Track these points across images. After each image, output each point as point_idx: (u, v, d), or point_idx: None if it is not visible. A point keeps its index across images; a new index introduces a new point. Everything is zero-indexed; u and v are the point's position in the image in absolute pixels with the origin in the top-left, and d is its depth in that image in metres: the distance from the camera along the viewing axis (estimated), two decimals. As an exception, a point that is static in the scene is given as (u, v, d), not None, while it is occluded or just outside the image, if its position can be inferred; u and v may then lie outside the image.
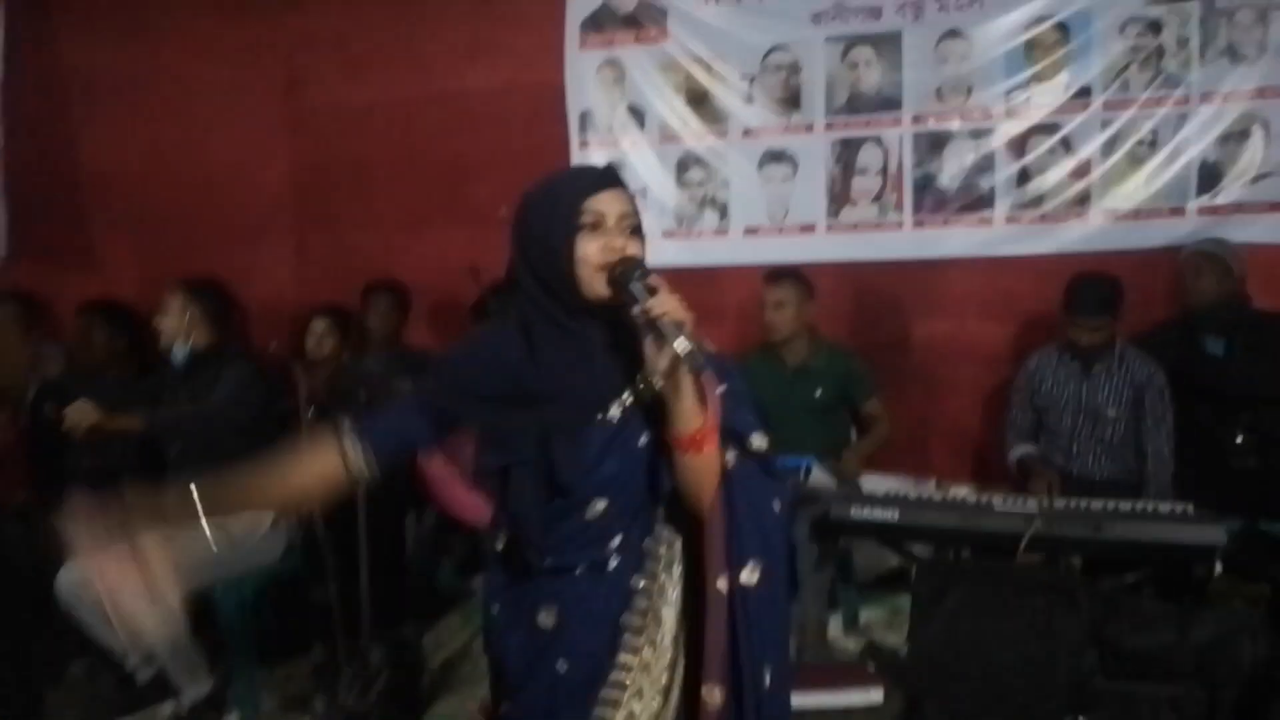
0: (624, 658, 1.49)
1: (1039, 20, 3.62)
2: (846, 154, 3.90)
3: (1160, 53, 3.52)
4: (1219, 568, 2.80)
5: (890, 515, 2.95)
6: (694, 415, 1.39)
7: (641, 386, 1.44)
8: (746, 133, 4.00)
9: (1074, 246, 3.62)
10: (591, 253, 1.41)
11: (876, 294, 3.93)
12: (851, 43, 3.83)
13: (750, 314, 3.69)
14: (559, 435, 1.41)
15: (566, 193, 1.44)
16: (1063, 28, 3.60)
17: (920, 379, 3.87)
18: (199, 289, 3.28)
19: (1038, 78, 3.66)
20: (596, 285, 1.41)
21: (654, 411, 1.44)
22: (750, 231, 4.02)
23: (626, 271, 1.39)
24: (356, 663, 2.98)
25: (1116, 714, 2.44)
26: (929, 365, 3.88)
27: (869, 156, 3.88)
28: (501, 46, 4.27)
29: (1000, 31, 3.66)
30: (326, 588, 3.08)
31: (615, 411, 1.45)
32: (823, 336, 3.65)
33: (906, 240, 3.85)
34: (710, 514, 1.46)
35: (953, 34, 3.71)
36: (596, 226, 1.41)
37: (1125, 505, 2.93)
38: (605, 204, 1.43)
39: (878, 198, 3.87)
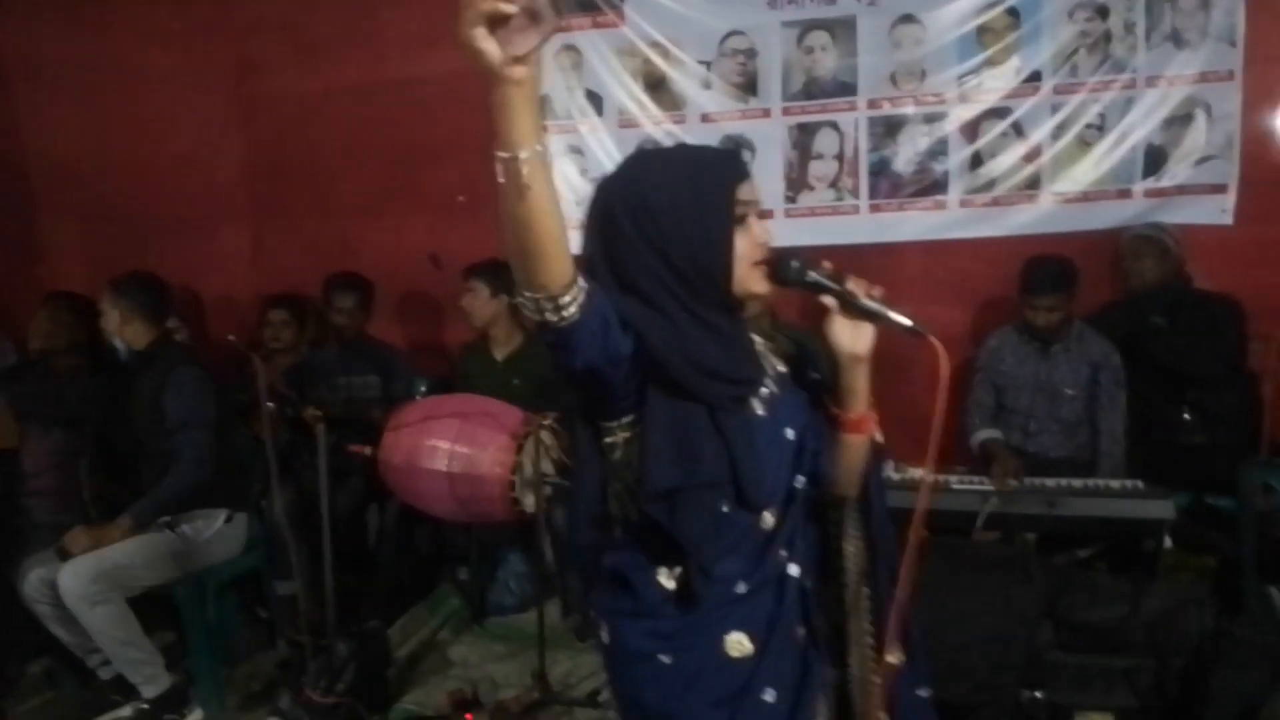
0: (823, 669, 1.43)
1: (991, 5, 3.65)
2: (803, 139, 3.92)
3: (1108, 37, 3.58)
4: (1168, 541, 2.89)
5: (850, 496, 2.99)
6: (866, 396, 1.43)
7: (778, 372, 1.43)
8: (704, 118, 4.00)
9: (1025, 229, 3.69)
10: (746, 248, 1.31)
11: (833, 277, 3.95)
12: (807, 28, 3.84)
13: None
14: (734, 432, 1.29)
15: (718, 179, 1.30)
16: (1014, 12, 3.64)
17: (876, 362, 3.90)
18: (124, 286, 3.19)
19: (990, 62, 3.70)
20: (751, 281, 1.32)
21: (791, 403, 1.43)
22: (709, 217, 4.03)
23: (800, 262, 1.34)
24: (322, 656, 2.97)
25: (1071, 686, 2.51)
26: (884, 348, 3.90)
27: (825, 141, 3.90)
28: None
29: (953, 16, 3.70)
30: (289, 583, 3.06)
31: (760, 408, 1.37)
32: (780, 319, 3.68)
33: (862, 224, 3.88)
34: (863, 491, 1.48)
35: (907, 19, 3.74)
36: (743, 218, 1.31)
37: (1078, 482, 3.02)
38: (750, 193, 1.32)
39: (834, 182, 3.91)
